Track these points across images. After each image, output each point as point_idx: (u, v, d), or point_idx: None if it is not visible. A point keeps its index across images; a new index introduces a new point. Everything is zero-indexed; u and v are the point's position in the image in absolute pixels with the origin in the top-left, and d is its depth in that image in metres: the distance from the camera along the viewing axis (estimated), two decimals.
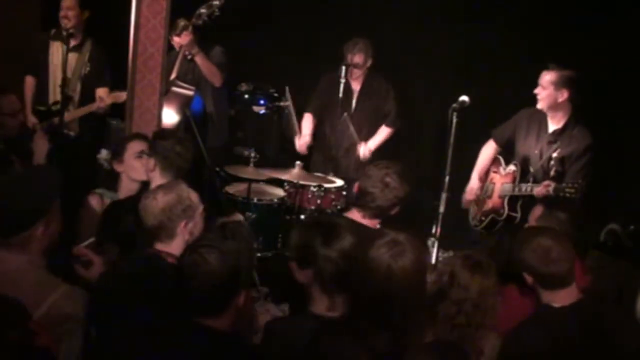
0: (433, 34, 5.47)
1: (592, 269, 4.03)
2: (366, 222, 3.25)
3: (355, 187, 3.34)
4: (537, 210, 4.08)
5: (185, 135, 3.66)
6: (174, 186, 2.81)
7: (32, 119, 4.98)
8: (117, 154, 3.64)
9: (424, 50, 5.55)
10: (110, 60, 5.11)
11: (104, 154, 3.78)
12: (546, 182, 4.05)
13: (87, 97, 5.00)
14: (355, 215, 3.28)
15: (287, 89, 5.13)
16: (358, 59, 5.04)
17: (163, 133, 3.50)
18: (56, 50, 5.00)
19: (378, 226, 3.29)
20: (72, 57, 4.90)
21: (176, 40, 4.94)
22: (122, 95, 4.71)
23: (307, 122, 5.30)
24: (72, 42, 4.89)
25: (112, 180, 3.67)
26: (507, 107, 4.78)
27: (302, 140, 5.21)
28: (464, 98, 4.27)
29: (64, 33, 4.85)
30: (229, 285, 2.18)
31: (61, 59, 4.78)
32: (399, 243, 2.17)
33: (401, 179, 3.25)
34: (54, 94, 4.94)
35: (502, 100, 5.13)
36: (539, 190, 4.07)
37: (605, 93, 4.87)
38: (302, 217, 4.77)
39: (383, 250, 2.15)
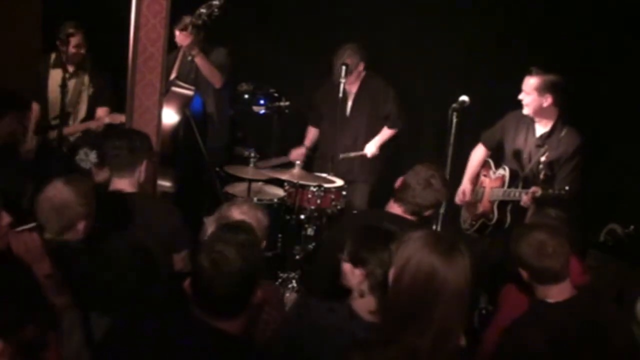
0: (433, 34, 5.47)
1: (592, 269, 4.04)
2: (406, 217, 3.28)
3: (399, 182, 3.35)
4: (530, 210, 4.09)
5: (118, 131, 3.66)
6: (256, 206, 2.98)
7: (29, 146, 4.95)
8: (104, 161, 3.65)
9: (424, 50, 5.55)
10: (111, 78, 5.09)
11: (92, 156, 3.74)
12: (533, 189, 4.04)
13: (91, 117, 5.03)
14: (395, 209, 3.30)
15: None
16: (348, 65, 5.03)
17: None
18: (55, 77, 4.94)
19: None
20: (71, 82, 4.93)
21: (177, 36, 4.92)
22: (120, 117, 4.72)
23: (311, 135, 5.41)
24: (71, 68, 4.93)
25: None
26: (507, 107, 4.77)
27: (299, 150, 5.31)
28: (464, 98, 4.28)
29: (64, 61, 4.86)
30: (250, 282, 2.10)
31: (60, 84, 4.78)
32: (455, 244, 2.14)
33: (444, 183, 3.31)
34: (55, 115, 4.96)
35: (502, 100, 5.12)
36: (525, 199, 4.06)
37: (607, 93, 4.86)
38: (302, 217, 4.77)
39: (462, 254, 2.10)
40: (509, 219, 4.29)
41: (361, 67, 5.10)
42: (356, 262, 2.53)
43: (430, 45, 5.50)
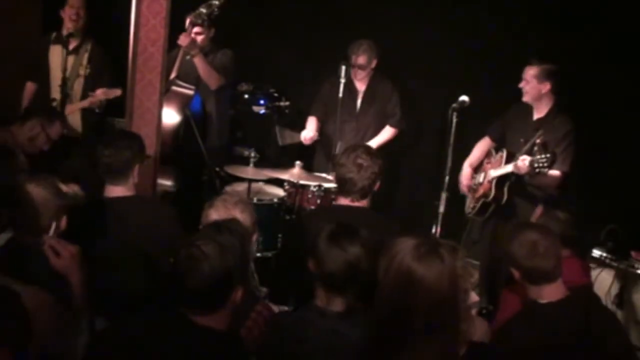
0: (433, 34, 5.47)
1: (592, 269, 4.04)
2: (357, 204, 3.31)
3: (335, 183, 3.39)
4: (538, 210, 4.09)
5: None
6: (233, 204, 2.87)
7: None
8: None
9: (424, 50, 5.55)
10: (110, 61, 5.13)
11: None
12: (522, 157, 4.20)
13: (87, 97, 5.03)
14: (344, 201, 3.33)
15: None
16: (362, 60, 5.05)
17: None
18: (55, 52, 5.04)
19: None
20: (70, 58, 4.98)
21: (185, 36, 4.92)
22: (114, 92, 4.79)
23: (312, 123, 5.29)
24: (72, 44, 4.94)
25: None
26: (507, 107, 4.78)
27: (308, 134, 5.19)
28: (464, 98, 4.29)
29: (65, 34, 4.93)
30: (226, 280, 2.13)
31: (60, 61, 4.83)
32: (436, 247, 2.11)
33: (371, 156, 3.34)
34: (54, 94, 5.00)
35: (502, 100, 5.12)
36: (515, 165, 4.24)
37: (608, 92, 4.86)
38: None
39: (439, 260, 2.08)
40: (505, 196, 4.46)
41: (374, 64, 5.12)
42: (308, 254, 2.54)
43: (430, 45, 5.50)
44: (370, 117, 5.22)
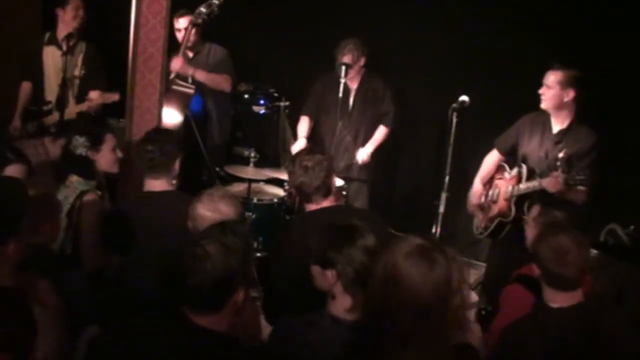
0: (433, 33, 5.47)
1: (592, 269, 4.03)
2: (326, 203, 3.27)
3: (294, 193, 3.36)
4: (535, 210, 4.07)
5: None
6: (219, 197, 2.91)
7: (17, 124, 5.07)
8: (97, 143, 3.64)
9: (424, 50, 5.55)
10: (104, 62, 5.11)
11: (81, 141, 3.69)
12: (555, 174, 3.96)
13: (82, 99, 4.98)
14: (313, 207, 3.28)
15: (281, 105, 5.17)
16: (347, 59, 5.00)
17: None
18: (50, 54, 5.01)
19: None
20: (65, 59, 4.93)
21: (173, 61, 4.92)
22: (112, 96, 4.78)
23: (304, 125, 5.26)
24: (65, 46, 4.92)
25: (81, 166, 3.62)
26: (507, 107, 4.77)
27: (299, 144, 5.17)
28: (464, 98, 4.29)
29: (63, 35, 4.89)
30: (228, 281, 2.13)
31: (60, 62, 4.83)
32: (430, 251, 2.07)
33: (313, 155, 3.29)
34: (49, 96, 5.00)
35: (502, 100, 5.13)
36: (548, 181, 4.00)
37: (606, 92, 4.86)
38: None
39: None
40: (526, 215, 4.16)
41: (362, 62, 5.09)
42: (325, 264, 2.47)
43: (430, 45, 5.50)
44: (363, 115, 5.19)
